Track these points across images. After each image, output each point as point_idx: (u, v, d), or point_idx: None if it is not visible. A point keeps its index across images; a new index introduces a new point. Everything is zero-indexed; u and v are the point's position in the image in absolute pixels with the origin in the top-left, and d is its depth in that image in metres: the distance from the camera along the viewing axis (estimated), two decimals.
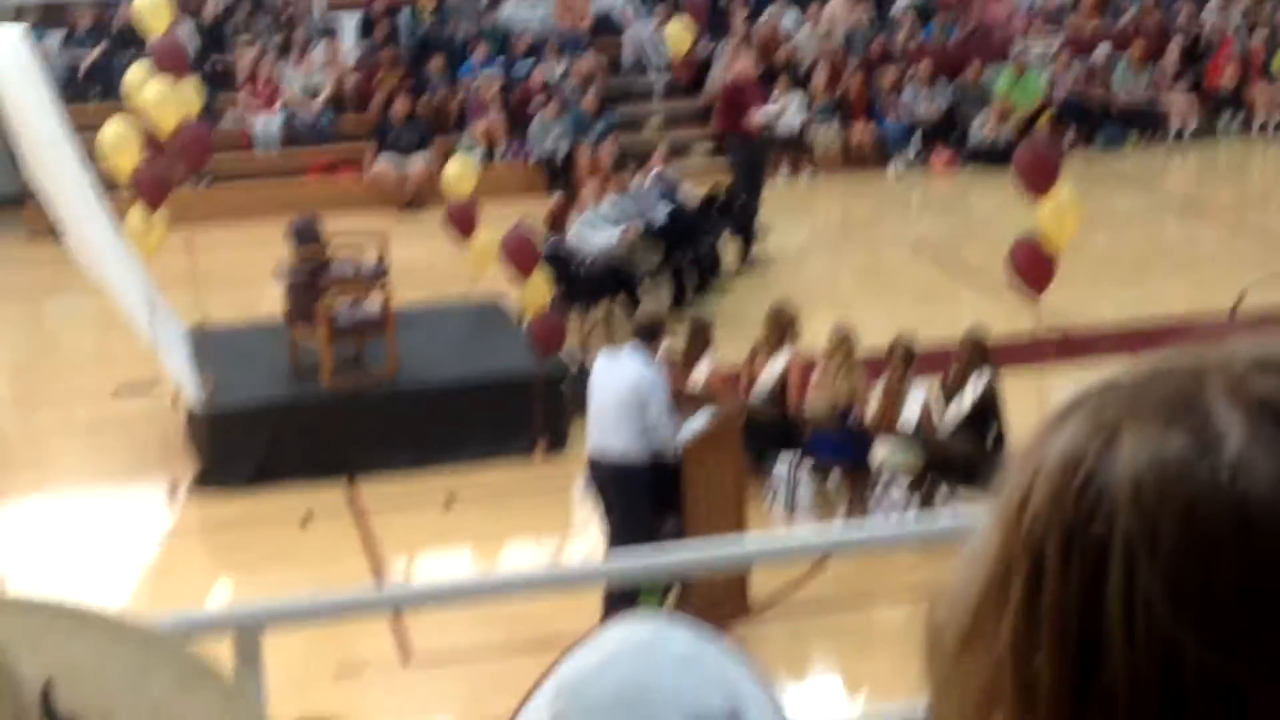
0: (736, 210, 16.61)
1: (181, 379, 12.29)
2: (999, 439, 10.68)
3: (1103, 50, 21.28)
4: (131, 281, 12.20)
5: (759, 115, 17.07)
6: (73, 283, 15.15)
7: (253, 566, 10.83)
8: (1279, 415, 0.95)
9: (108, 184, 13.16)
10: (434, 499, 11.54)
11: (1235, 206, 18.44)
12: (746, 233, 16.64)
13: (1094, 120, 21.22)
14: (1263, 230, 17.35)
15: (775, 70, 20.80)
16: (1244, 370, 0.97)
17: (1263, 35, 22.07)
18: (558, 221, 14.49)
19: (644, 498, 9.69)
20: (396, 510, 11.50)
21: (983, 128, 20.61)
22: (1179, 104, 21.33)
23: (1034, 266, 10.86)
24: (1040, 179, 10.86)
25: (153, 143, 12.70)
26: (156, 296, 12.13)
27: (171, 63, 12.75)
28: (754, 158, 17.28)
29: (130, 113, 13.33)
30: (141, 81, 12.80)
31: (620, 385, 9.52)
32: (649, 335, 9.89)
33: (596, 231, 14.78)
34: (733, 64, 18.50)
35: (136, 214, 11.87)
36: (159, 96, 12.45)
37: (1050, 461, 0.98)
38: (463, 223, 13.84)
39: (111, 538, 11.39)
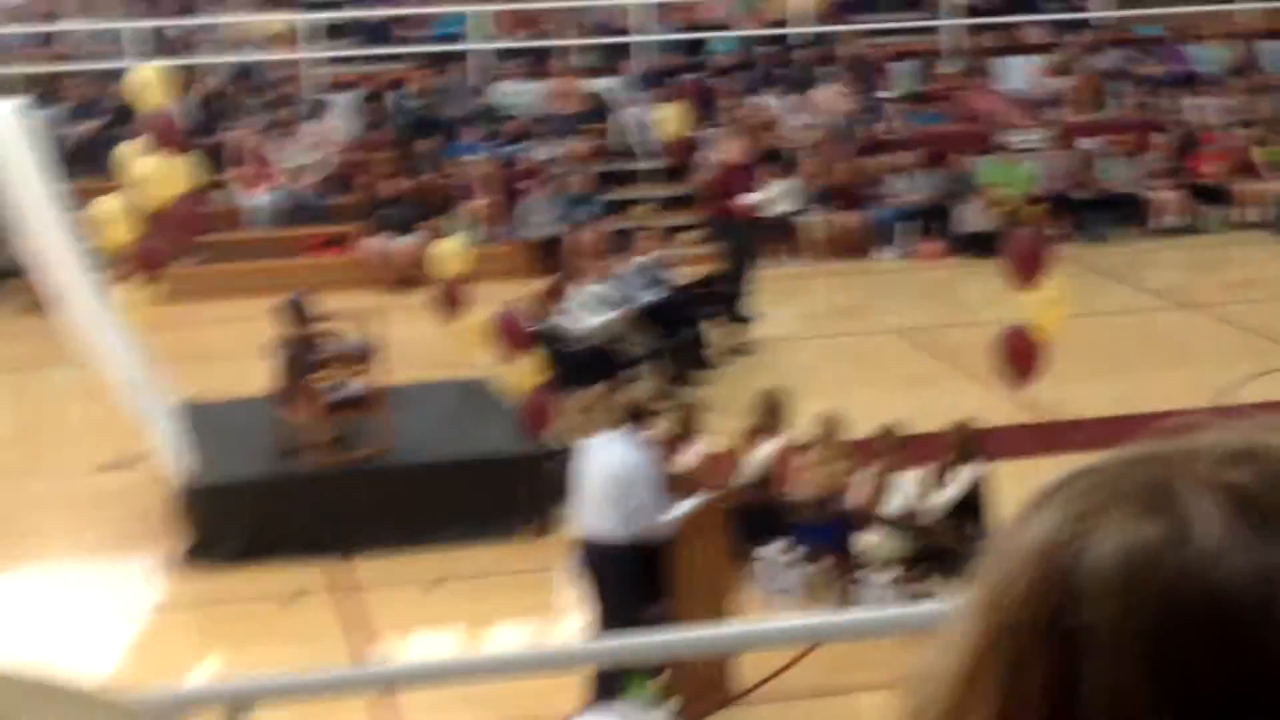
0: (725, 295, 16.68)
1: (169, 454, 12.28)
2: (984, 529, 10.69)
3: (1090, 142, 21.45)
4: (120, 356, 12.22)
5: (746, 201, 17.14)
6: (62, 357, 15.16)
7: (240, 642, 10.80)
8: (1250, 504, 0.96)
9: (101, 259, 13.20)
10: (421, 578, 11.53)
11: (1220, 300, 18.55)
12: (735, 317, 16.70)
13: (1081, 212, 21.36)
14: (1247, 325, 17.44)
15: (764, 156, 20.94)
16: (1217, 460, 0.99)
17: (1249, 130, 22.26)
18: (548, 303, 14.55)
19: (630, 580, 9.69)
20: (383, 588, 11.48)
21: (970, 217, 20.74)
22: (1165, 197, 21.49)
23: (1021, 356, 10.91)
24: (1029, 269, 10.93)
25: (148, 218, 12.75)
26: (145, 371, 12.15)
27: (166, 138, 12.82)
28: (742, 243, 17.34)
29: (124, 188, 13.39)
30: (134, 156, 12.87)
31: (608, 469, 9.55)
32: (637, 419, 9.93)
33: (586, 314, 14.83)
34: (722, 149, 18.59)
35: (127, 289, 11.90)
36: (153, 171, 12.52)
37: (1027, 548, 0.98)
38: (451, 303, 13.90)
39: (98, 611, 11.35)
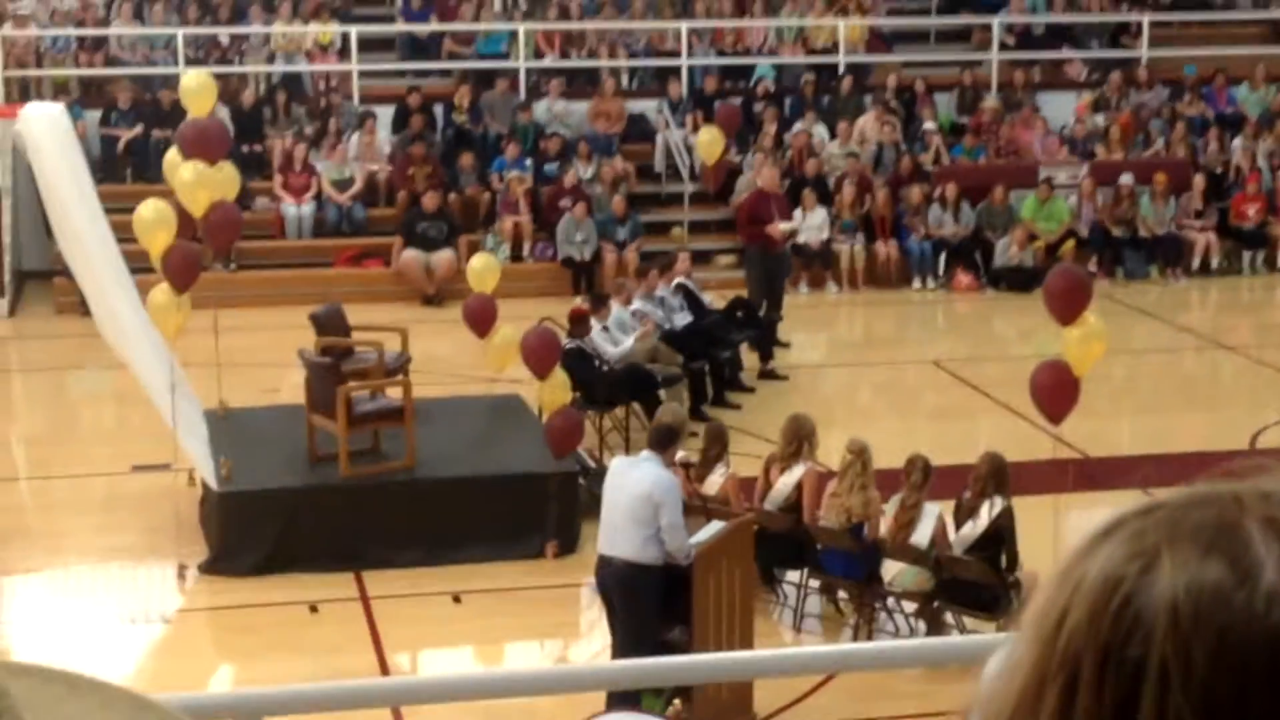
0: (759, 321, 16.67)
1: (199, 460, 12.33)
2: (1010, 564, 10.65)
3: (1127, 180, 21.40)
4: (155, 360, 12.28)
5: (777, 229, 17.08)
6: (97, 358, 15.25)
7: (258, 652, 10.82)
8: None
9: (139, 263, 13.28)
10: (443, 593, 11.54)
11: (1255, 343, 18.46)
12: (765, 343, 16.69)
13: (1118, 250, 21.31)
14: None
15: (803, 183, 20.96)
16: (1275, 502, 1.01)
17: None
18: (581, 322, 14.56)
19: (651, 602, 9.67)
20: (405, 603, 11.49)
21: (1007, 251, 20.71)
22: (1202, 238, 21.42)
23: (1056, 392, 10.84)
24: (1070, 305, 10.86)
25: (185, 223, 12.81)
26: (179, 376, 12.20)
27: (210, 145, 12.87)
28: (772, 270, 17.25)
29: (166, 193, 13.47)
30: (178, 162, 12.93)
31: (634, 490, 9.55)
32: (665, 441, 9.93)
33: (620, 334, 14.84)
34: (757, 175, 18.56)
35: (161, 293, 11.94)
36: (195, 178, 12.57)
37: (1090, 580, 1.01)
38: (481, 319, 13.91)
39: (119, 615, 11.39)
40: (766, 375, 16.50)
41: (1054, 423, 11.03)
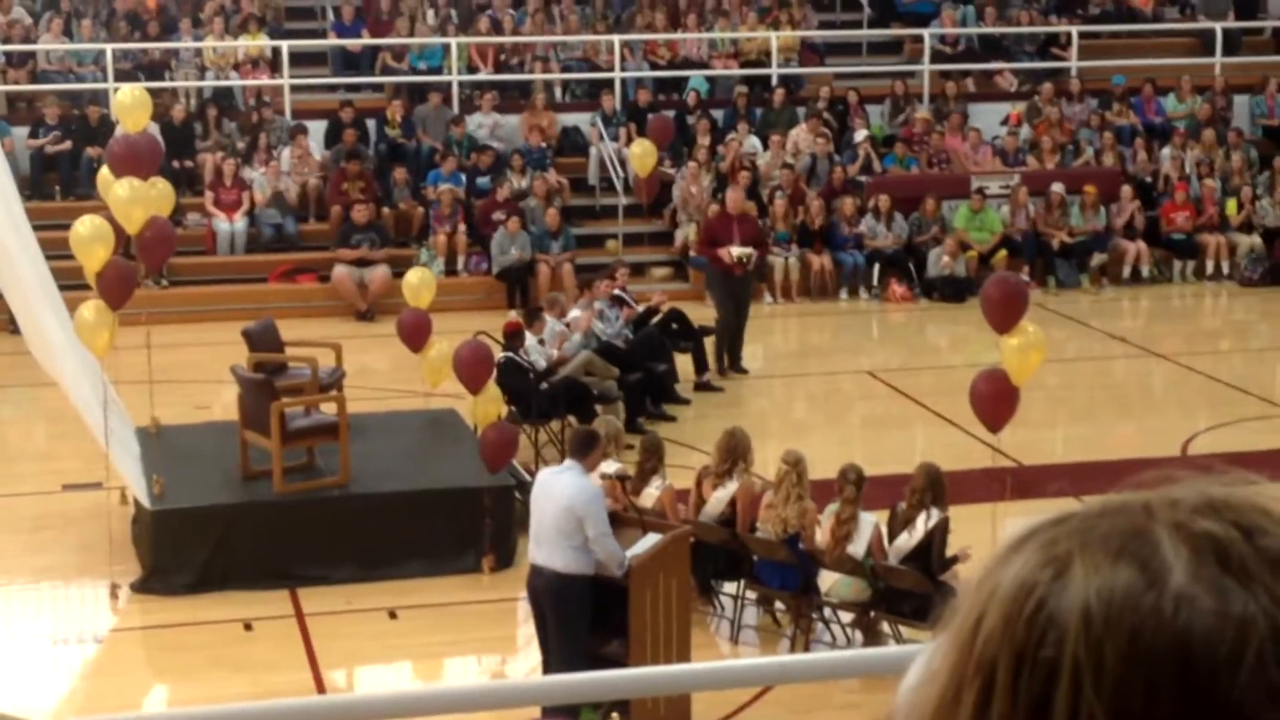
0: (695, 333, 16.68)
1: (130, 478, 12.22)
2: (945, 572, 10.68)
3: (1058, 189, 21.55)
4: (85, 378, 12.16)
5: (728, 253, 16.91)
6: (27, 376, 15.10)
7: (192, 671, 10.72)
8: (1220, 553, 1.00)
9: (69, 280, 13.16)
10: (379, 609, 11.48)
11: (1186, 351, 18.63)
12: (735, 367, 16.87)
13: (1049, 259, 21.46)
14: (1212, 375, 17.53)
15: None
16: (1193, 509, 1.03)
17: (1216, 182, 22.39)
18: (516, 336, 14.53)
19: (584, 614, 9.66)
20: (340, 620, 11.43)
21: (939, 261, 20.82)
22: (1132, 246, 21.60)
23: (996, 402, 10.86)
24: (1008, 313, 10.90)
25: (123, 240, 12.70)
26: (110, 394, 12.09)
27: (141, 160, 12.76)
28: (735, 291, 16.99)
29: (96, 209, 13.35)
30: (111, 178, 12.82)
31: (559, 502, 9.52)
32: (585, 448, 9.90)
33: (554, 347, 14.83)
34: (729, 200, 17.84)
35: (88, 310, 11.78)
36: (130, 193, 12.45)
37: (1004, 587, 1.03)
38: (415, 333, 13.86)
39: (51, 635, 11.27)
40: (702, 387, 16.51)
41: (993, 431, 11.08)
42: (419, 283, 14.19)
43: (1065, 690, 0.99)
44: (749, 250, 16.97)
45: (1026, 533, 1.08)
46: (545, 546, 9.60)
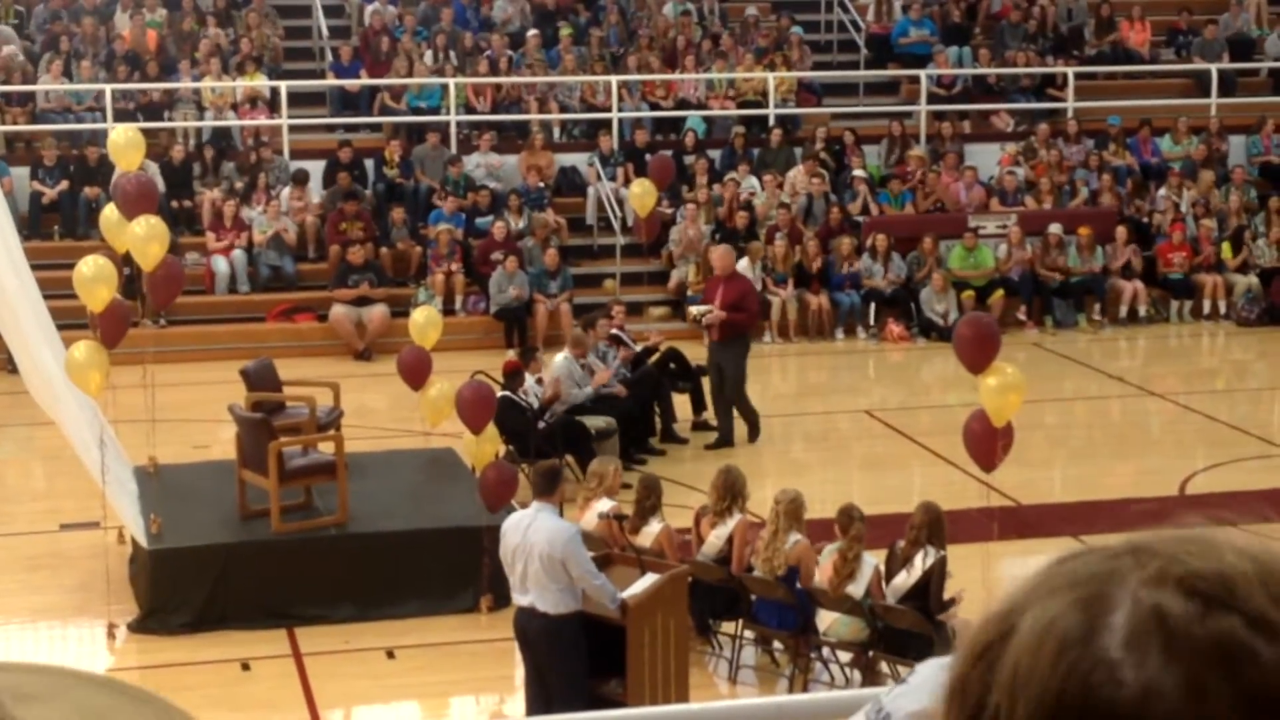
0: (692, 373, 16.68)
1: (128, 517, 12.22)
2: (943, 612, 10.67)
3: (1055, 229, 21.61)
4: (83, 417, 12.16)
5: (689, 311, 16.33)
6: (25, 415, 15.11)
7: (194, 711, 10.68)
8: (1166, 630, 1.03)
9: (67, 320, 13.16)
10: (377, 648, 11.46)
11: (1184, 390, 18.65)
12: (699, 394, 16.62)
13: (1046, 298, 21.50)
14: (1209, 414, 17.54)
15: (734, 235, 21.08)
16: (1156, 578, 1.06)
17: (1212, 223, 22.45)
18: (515, 375, 14.55)
19: (580, 652, 9.61)
20: (338, 659, 11.40)
21: (930, 301, 20.85)
22: (1129, 286, 21.65)
23: (989, 441, 10.86)
24: (980, 353, 10.88)
25: (126, 279, 12.72)
26: (107, 433, 12.09)
27: (142, 200, 12.78)
28: (711, 356, 16.14)
29: (95, 249, 13.36)
30: (113, 218, 12.84)
31: (538, 545, 9.44)
32: (550, 485, 9.80)
33: (551, 387, 14.84)
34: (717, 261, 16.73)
35: (79, 351, 11.75)
36: (146, 231, 12.45)
37: (981, 619, 1.11)
38: (415, 371, 13.88)
39: None
40: (700, 426, 16.51)
41: (986, 470, 11.08)
42: (425, 322, 14.18)
43: (1000, 717, 1.06)
44: (704, 308, 16.00)
45: (1036, 570, 1.12)
46: (533, 591, 9.54)
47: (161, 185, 20.34)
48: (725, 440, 15.97)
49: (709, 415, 16.58)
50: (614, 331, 16.39)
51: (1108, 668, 1.03)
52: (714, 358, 16.09)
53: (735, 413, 16.07)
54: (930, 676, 4.34)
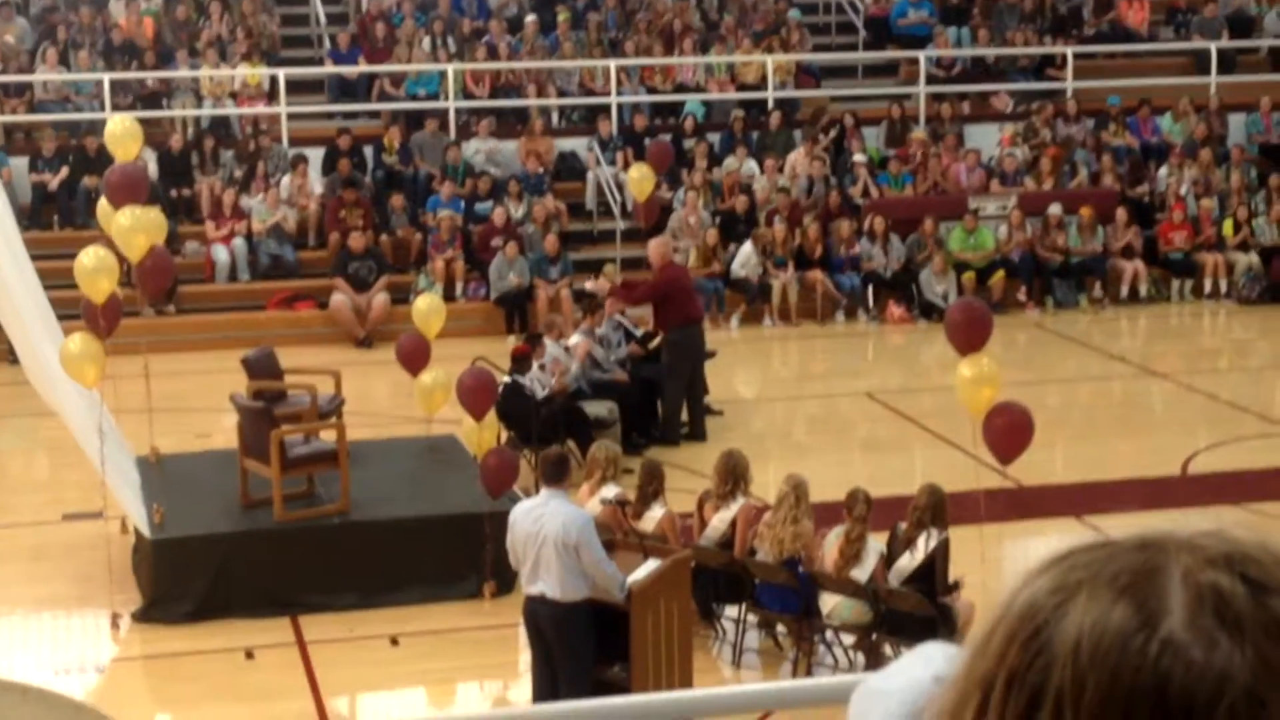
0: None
1: (131, 507, 12.22)
2: (941, 590, 10.67)
3: (1055, 209, 21.58)
4: (84, 407, 12.16)
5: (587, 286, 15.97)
6: (26, 406, 15.11)
7: (194, 701, 10.71)
8: (1220, 607, 1.04)
9: (67, 310, 13.15)
10: (381, 636, 11.47)
11: (1185, 370, 18.64)
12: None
13: (1047, 279, 21.48)
14: (1211, 393, 17.53)
15: (734, 219, 21.06)
16: (1206, 558, 1.07)
17: (1213, 201, 22.42)
18: (523, 360, 14.54)
19: (589, 638, 9.62)
20: (342, 647, 11.41)
21: (936, 282, 20.84)
22: (1130, 266, 21.63)
23: (1011, 435, 10.69)
24: (972, 336, 10.82)
25: (125, 269, 12.70)
26: (109, 423, 12.09)
27: (130, 190, 12.76)
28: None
29: (94, 239, 13.34)
30: (111, 207, 12.82)
31: (552, 531, 9.45)
32: (559, 473, 9.79)
33: (552, 373, 14.82)
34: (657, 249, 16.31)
35: (74, 343, 11.71)
36: (131, 222, 12.44)
37: (1015, 607, 1.09)
38: (413, 358, 13.87)
39: (52, 665, 11.25)
40: (702, 410, 16.46)
41: (1004, 464, 10.97)
42: (428, 309, 14.15)
43: (1047, 716, 1.04)
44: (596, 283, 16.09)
45: (1055, 556, 1.12)
46: (545, 578, 9.54)
47: (156, 174, 20.36)
48: (695, 434, 15.68)
49: (710, 399, 16.58)
50: (618, 318, 16.36)
51: (1174, 650, 1.03)
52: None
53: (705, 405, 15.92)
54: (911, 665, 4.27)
